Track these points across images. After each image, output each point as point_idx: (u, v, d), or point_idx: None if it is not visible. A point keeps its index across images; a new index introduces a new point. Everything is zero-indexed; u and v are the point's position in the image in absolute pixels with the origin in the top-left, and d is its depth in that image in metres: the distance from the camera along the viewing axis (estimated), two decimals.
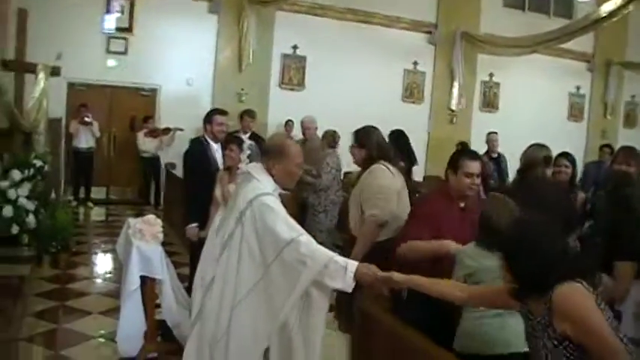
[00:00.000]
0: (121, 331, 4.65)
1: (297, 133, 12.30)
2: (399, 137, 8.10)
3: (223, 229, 3.23)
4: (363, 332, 3.39)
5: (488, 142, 9.69)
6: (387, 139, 7.87)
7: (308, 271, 2.96)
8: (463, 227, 3.77)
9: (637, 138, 16.53)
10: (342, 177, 8.20)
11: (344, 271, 2.97)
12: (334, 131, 7.94)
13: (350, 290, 3.01)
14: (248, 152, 5.96)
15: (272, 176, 3.30)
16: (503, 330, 3.17)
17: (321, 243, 3.17)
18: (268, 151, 3.42)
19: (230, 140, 5.41)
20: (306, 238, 3.06)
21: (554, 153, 8.73)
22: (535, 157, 5.03)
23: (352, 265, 3.01)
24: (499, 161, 9.29)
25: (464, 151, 4.25)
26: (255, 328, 3.05)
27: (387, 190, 4.34)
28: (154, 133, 11.92)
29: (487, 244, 3.28)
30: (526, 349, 3.10)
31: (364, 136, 4.60)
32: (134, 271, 4.50)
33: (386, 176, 4.38)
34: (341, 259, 3.03)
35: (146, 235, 4.58)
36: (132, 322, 4.60)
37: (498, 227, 3.25)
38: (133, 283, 4.50)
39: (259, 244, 3.08)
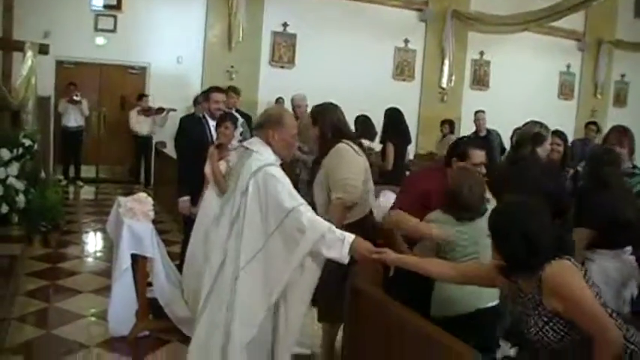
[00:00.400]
0: (112, 310, 4.68)
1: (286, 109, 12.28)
2: (393, 115, 8.12)
3: (229, 208, 3.21)
4: (354, 309, 3.41)
5: (475, 121, 9.68)
6: (368, 118, 7.95)
7: (306, 240, 3.01)
8: None
9: (626, 117, 16.60)
10: None
11: (341, 242, 3.01)
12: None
13: (345, 261, 3.04)
14: (241, 130, 5.96)
15: (270, 146, 3.31)
16: (461, 290, 3.25)
17: None
18: (266, 121, 3.39)
19: (224, 117, 5.37)
20: (305, 207, 3.10)
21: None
22: (527, 134, 5.00)
23: (349, 237, 3.04)
24: (489, 139, 9.28)
25: (471, 140, 4.16)
26: (254, 298, 3.08)
27: (355, 170, 4.09)
28: (147, 112, 11.85)
29: (457, 215, 3.41)
30: (492, 304, 3.34)
31: (318, 114, 4.35)
32: (125, 250, 4.53)
33: (351, 156, 4.11)
34: (338, 231, 3.07)
35: (137, 214, 4.60)
36: (123, 301, 4.63)
37: (471, 202, 3.38)
38: (124, 261, 4.52)
39: (261, 213, 3.10)
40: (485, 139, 9.15)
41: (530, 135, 4.88)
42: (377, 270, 3.58)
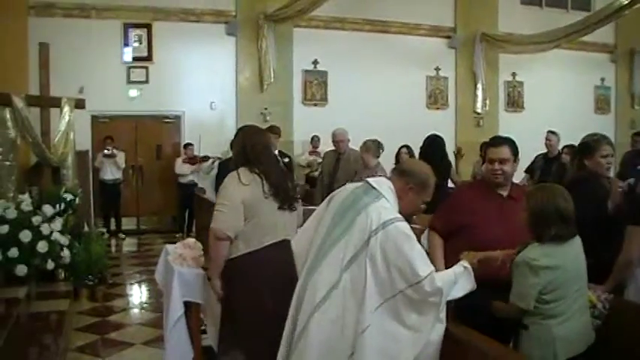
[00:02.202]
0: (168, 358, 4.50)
1: (323, 147, 12.23)
2: (431, 143, 7.93)
3: (338, 253, 2.94)
4: None
5: (546, 141, 9.19)
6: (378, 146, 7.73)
7: (444, 297, 2.94)
8: (504, 216, 3.61)
9: None
10: None
11: (464, 272, 3.06)
12: (378, 141, 7.59)
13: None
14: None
15: (399, 199, 3.09)
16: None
17: None
18: (412, 174, 3.15)
19: None
20: (435, 271, 2.97)
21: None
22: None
23: (464, 264, 3.11)
24: (560, 161, 8.73)
25: (492, 138, 4.00)
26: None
27: (228, 199, 3.74)
28: (192, 160, 11.85)
29: (564, 235, 3.12)
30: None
31: (234, 138, 4.09)
32: (177, 298, 4.38)
33: (231, 184, 3.78)
34: (450, 271, 3.11)
35: (187, 259, 4.46)
36: (178, 351, 4.45)
37: (570, 213, 3.11)
38: (176, 310, 4.37)
39: (386, 269, 2.87)
40: (555, 160, 8.71)
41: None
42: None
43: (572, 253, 3.12)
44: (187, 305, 4.46)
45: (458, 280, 3.01)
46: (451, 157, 9.92)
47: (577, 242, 3.18)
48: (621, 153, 9.72)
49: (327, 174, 7.73)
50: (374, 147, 7.39)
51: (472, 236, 3.57)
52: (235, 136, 4.09)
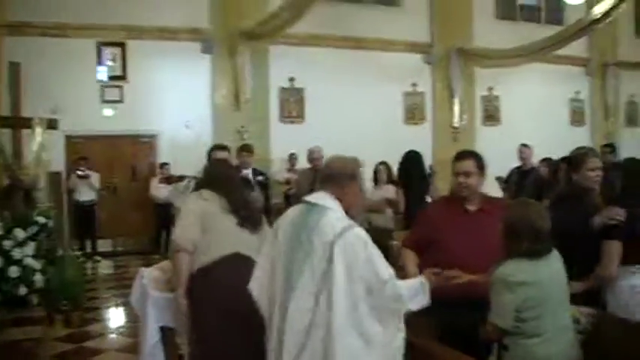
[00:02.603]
0: None
1: (301, 165, 12.14)
2: (410, 159, 7.88)
3: (307, 275, 2.85)
4: None
5: (519, 154, 9.22)
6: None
7: (404, 305, 2.89)
8: (470, 230, 3.63)
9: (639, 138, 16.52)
10: None
11: (421, 286, 2.96)
12: (355, 158, 7.58)
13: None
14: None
15: (340, 202, 3.02)
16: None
17: None
18: (334, 176, 3.09)
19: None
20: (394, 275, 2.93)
21: (554, 158, 8.53)
22: None
23: (421, 278, 3.03)
24: (534, 174, 8.76)
25: (458, 152, 3.99)
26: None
27: (186, 214, 3.98)
28: (169, 179, 11.67)
29: (536, 251, 3.05)
30: None
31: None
32: (152, 323, 4.25)
33: (190, 201, 4.08)
34: (410, 280, 3.06)
35: (162, 283, 4.33)
36: None
37: (544, 230, 3.07)
38: (152, 335, 4.24)
39: (347, 278, 2.79)
40: (529, 173, 8.75)
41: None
42: (428, 322, 3.28)
43: (548, 269, 3.06)
44: (163, 330, 4.33)
45: (417, 293, 2.95)
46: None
47: (555, 258, 3.13)
48: None
49: (305, 192, 7.59)
50: (358, 170, 7.38)
51: (439, 251, 3.59)
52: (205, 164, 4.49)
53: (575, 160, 4.28)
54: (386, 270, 2.85)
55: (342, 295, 2.76)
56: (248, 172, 7.29)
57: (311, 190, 7.58)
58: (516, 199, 3.77)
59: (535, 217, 3.06)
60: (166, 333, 4.33)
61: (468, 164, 3.73)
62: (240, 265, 3.76)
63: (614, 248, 3.75)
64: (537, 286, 2.99)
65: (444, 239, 3.61)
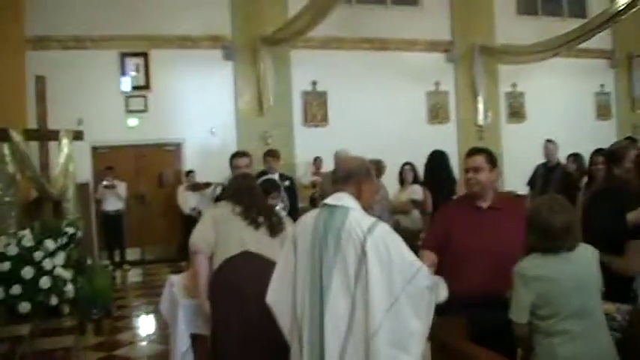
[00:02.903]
0: None
1: (326, 168, 12.13)
2: (436, 159, 7.83)
3: (339, 276, 2.83)
4: None
5: (544, 150, 9.09)
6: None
7: (434, 295, 2.88)
8: (482, 228, 3.61)
9: None
10: None
11: (438, 279, 2.96)
12: (379, 160, 7.58)
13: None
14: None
15: (359, 200, 3.02)
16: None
17: None
18: (351, 175, 3.07)
19: (270, 189, 5.17)
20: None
21: (587, 153, 8.40)
22: None
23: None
24: (560, 170, 8.65)
25: (469, 149, 3.96)
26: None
27: (201, 220, 4.30)
28: (195, 187, 11.74)
29: (552, 247, 3.00)
30: None
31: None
32: (182, 331, 4.26)
33: (208, 210, 4.59)
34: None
35: (192, 291, 4.33)
36: None
37: (552, 223, 2.99)
38: (183, 343, 4.25)
39: (384, 274, 2.78)
40: (555, 169, 8.65)
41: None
42: (458, 322, 3.24)
43: (570, 266, 2.98)
44: (194, 338, 4.34)
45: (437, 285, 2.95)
46: (456, 172, 9.80)
47: (582, 254, 3.04)
48: None
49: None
50: (374, 167, 7.34)
51: (454, 250, 3.60)
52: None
53: (618, 153, 4.22)
54: (416, 259, 2.89)
55: (380, 293, 2.75)
56: (275, 177, 7.27)
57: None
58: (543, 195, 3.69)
59: (546, 213, 2.99)
60: (197, 340, 4.34)
61: (478, 160, 3.70)
62: (249, 261, 4.03)
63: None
64: (554, 282, 2.94)
65: (457, 238, 3.61)
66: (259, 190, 4.57)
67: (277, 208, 4.88)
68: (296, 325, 2.94)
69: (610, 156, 4.31)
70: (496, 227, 3.58)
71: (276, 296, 3.08)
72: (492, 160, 3.75)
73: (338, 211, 2.94)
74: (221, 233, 4.12)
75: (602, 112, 16.66)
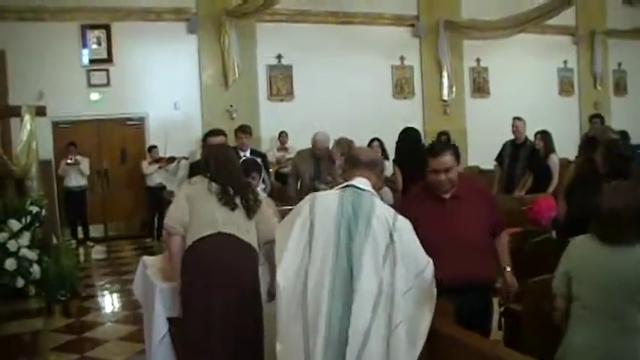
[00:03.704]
0: None
1: (291, 143, 12.09)
2: (400, 137, 7.76)
3: (370, 260, 2.81)
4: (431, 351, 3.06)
5: (512, 128, 9.08)
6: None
7: (435, 290, 2.98)
8: (446, 218, 3.59)
9: (628, 106, 16.60)
10: None
11: None
12: (350, 140, 7.52)
13: None
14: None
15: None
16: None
17: None
18: (378, 164, 3.20)
19: (249, 168, 5.03)
20: None
21: (547, 129, 8.48)
22: None
23: None
24: (527, 147, 8.69)
25: (431, 146, 3.91)
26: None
27: (175, 199, 4.19)
28: (158, 161, 11.54)
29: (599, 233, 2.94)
30: None
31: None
32: (160, 316, 4.17)
33: (182, 187, 4.31)
34: None
35: (169, 273, 4.25)
36: None
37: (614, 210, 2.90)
38: (160, 328, 4.16)
39: (402, 262, 2.85)
40: (522, 146, 8.69)
41: None
42: (446, 305, 3.23)
43: (615, 263, 2.83)
44: (171, 321, 4.26)
45: None
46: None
47: (635, 256, 2.85)
48: None
49: (308, 177, 7.34)
50: (343, 145, 7.32)
51: (421, 241, 3.36)
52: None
53: (596, 139, 4.24)
54: (425, 254, 2.96)
55: (401, 280, 2.83)
56: (246, 154, 7.16)
57: (316, 174, 7.45)
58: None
59: (607, 201, 2.93)
60: (174, 323, 4.26)
61: (448, 159, 3.60)
62: (221, 243, 3.95)
63: None
64: (587, 269, 2.90)
65: (423, 230, 3.38)
66: (238, 164, 4.48)
67: (258, 189, 4.76)
68: (302, 304, 2.82)
69: (589, 142, 4.34)
70: (458, 216, 3.55)
71: (284, 277, 2.89)
72: (457, 154, 3.70)
73: (366, 195, 2.97)
74: (194, 212, 4.02)
75: (565, 88, 16.89)
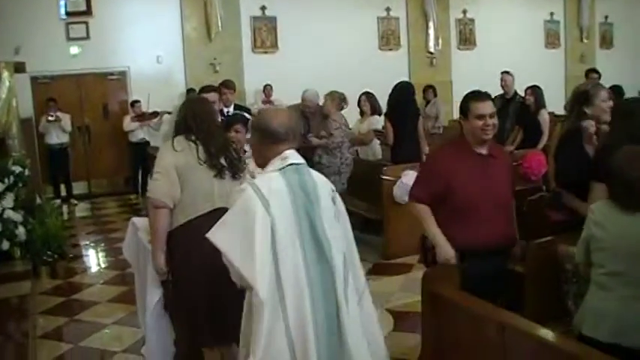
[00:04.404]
0: (149, 345, 4.21)
1: (276, 96, 11.93)
2: (393, 90, 7.66)
3: (331, 235, 2.71)
4: (435, 316, 3.01)
5: (501, 82, 8.97)
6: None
7: None
8: (487, 175, 3.53)
9: (614, 58, 16.55)
10: None
11: None
12: (342, 94, 7.46)
13: None
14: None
15: None
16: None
17: None
18: (293, 133, 2.89)
19: (234, 120, 4.87)
20: None
21: (534, 82, 8.36)
22: None
23: None
24: (516, 101, 8.60)
25: (472, 93, 3.79)
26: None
27: (162, 168, 3.71)
28: (140, 117, 11.29)
29: (623, 201, 2.84)
30: None
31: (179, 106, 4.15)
32: (154, 280, 4.06)
33: (165, 152, 3.78)
34: None
35: None
36: (160, 334, 4.17)
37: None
38: (154, 293, 4.06)
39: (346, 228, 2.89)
40: (512, 100, 8.61)
41: None
42: (450, 270, 3.17)
43: (636, 228, 2.76)
44: (165, 284, 4.16)
45: None
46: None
47: None
48: (572, 87, 9.69)
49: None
50: (336, 99, 7.38)
51: (456, 200, 3.48)
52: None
53: (587, 94, 4.14)
54: None
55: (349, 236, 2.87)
56: (230, 109, 7.00)
57: (305, 130, 7.38)
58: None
59: (628, 169, 2.80)
60: (168, 286, 4.16)
61: (491, 104, 3.60)
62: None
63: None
64: (611, 235, 2.81)
65: (460, 187, 3.46)
66: (216, 119, 4.28)
67: (246, 148, 4.60)
68: (277, 282, 2.62)
69: (580, 96, 4.23)
70: (494, 176, 3.53)
71: (266, 292, 2.62)
72: None
73: (303, 169, 2.79)
74: (186, 185, 3.71)
75: (552, 40, 16.81)
